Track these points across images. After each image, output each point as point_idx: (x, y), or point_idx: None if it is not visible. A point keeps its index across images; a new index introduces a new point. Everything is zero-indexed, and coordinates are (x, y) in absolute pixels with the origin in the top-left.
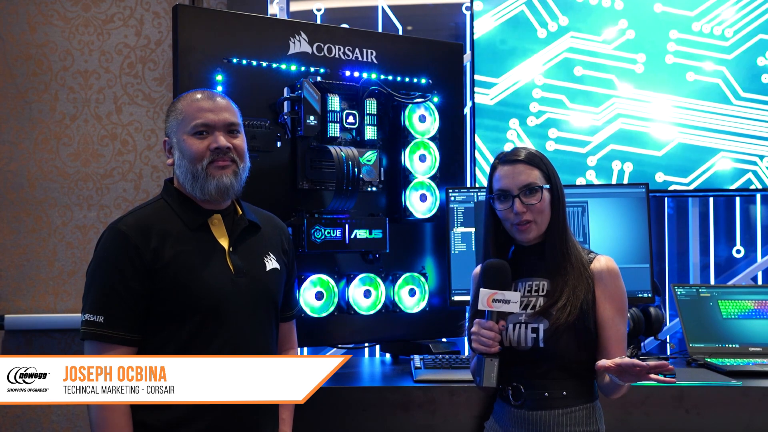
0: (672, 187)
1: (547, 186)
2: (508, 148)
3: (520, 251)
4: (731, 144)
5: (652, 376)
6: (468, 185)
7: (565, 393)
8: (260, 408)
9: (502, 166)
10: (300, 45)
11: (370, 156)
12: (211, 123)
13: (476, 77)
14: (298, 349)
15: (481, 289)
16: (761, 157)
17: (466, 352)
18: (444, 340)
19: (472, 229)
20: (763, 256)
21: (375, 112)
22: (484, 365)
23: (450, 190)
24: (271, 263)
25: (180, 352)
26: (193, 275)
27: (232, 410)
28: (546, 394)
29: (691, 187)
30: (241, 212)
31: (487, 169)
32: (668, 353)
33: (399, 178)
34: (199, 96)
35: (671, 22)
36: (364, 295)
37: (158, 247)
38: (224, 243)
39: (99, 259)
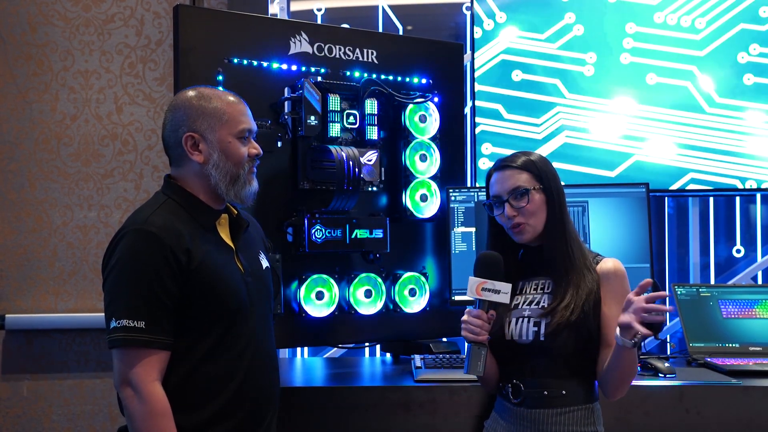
0: (672, 186)
1: (539, 187)
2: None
3: (526, 252)
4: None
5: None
6: (468, 185)
7: (564, 392)
8: (276, 404)
9: (495, 172)
10: (301, 45)
11: (370, 156)
12: (252, 129)
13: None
14: (298, 348)
15: (470, 278)
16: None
17: (467, 352)
18: (444, 339)
19: (473, 229)
20: (763, 256)
21: (375, 112)
22: (471, 353)
23: (450, 190)
24: (265, 262)
25: (210, 354)
26: (219, 276)
27: (257, 409)
28: (545, 392)
29: (689, 187)
30: (236, 212)
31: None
32: (668, 353)
33: (399, 178)
34: (232, 98)
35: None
36: (365, 294)
37: (189, 248)
38: (230, 243)
39: (130, 263)
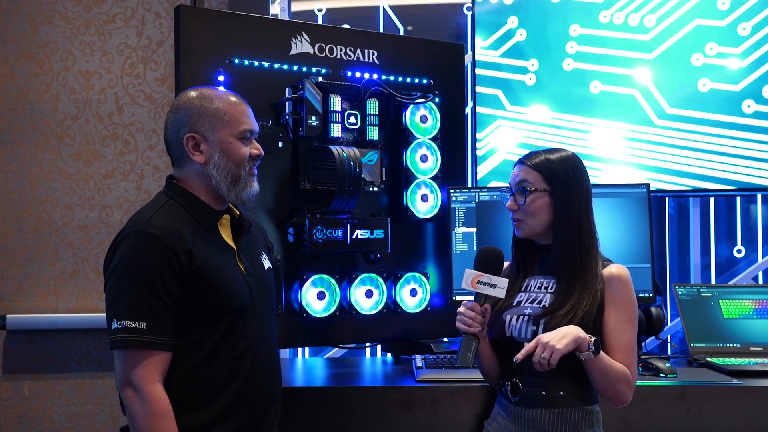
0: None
1: (545, 189)
2: None
3: (537, 249)
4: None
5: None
6: (469, 185)
7: (562, 393)
8: (278, 404)
9: (516, 164)
10: (302, 45)
11: (371, 156)
12: (254, 129)
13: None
14: (299, 349)
15: (467, 269)
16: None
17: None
18: (445, 339)
19: (474, 229)
20: (763, 256)
21: (376, 113)
22: (462, 344)
23: (451, 190)
24: (267, 262)
25: (212, 354)
26: (221, 277)
27: (260, 409)
28: (543, 392)
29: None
30: (238, 213)
31: None
32: (669, 353)
33: (400, 178)
34: (234, 99)
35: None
36: (366, 295)
37: (191, 249)
38: (232, 244)
39: (131, 264)
